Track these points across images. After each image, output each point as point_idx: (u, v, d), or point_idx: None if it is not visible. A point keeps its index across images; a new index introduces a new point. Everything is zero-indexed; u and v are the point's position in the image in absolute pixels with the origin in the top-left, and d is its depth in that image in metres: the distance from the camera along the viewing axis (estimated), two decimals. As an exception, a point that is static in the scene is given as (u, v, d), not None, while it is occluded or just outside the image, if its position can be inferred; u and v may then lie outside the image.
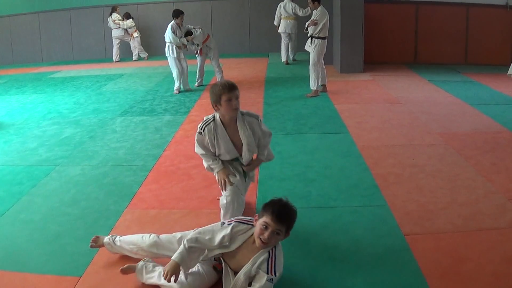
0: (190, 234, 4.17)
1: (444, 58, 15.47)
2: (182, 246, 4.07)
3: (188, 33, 12.82)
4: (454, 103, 10.43)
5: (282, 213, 4.00)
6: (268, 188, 6.35)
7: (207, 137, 5.03)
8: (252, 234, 4.10)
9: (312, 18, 11.43)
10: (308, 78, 11.60)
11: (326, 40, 11.41)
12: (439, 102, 10.62)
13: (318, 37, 11.27)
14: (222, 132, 4.99)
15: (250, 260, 4.00)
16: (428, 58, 15.58)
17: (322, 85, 11.74)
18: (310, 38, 11.47)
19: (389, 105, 10.39)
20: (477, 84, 12.34)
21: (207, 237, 4.12)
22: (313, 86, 11.46)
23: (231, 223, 4.16)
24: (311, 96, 11.36)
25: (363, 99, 11.03)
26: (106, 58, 19.82)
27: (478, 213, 5.47)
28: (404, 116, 9.47)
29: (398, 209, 5.59)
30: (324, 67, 11.70)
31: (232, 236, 4.11)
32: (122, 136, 8.94)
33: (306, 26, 11.68)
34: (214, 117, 5.02)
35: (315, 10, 11.37)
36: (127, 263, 4.61)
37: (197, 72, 13.46)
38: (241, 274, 3.98)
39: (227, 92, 4.76)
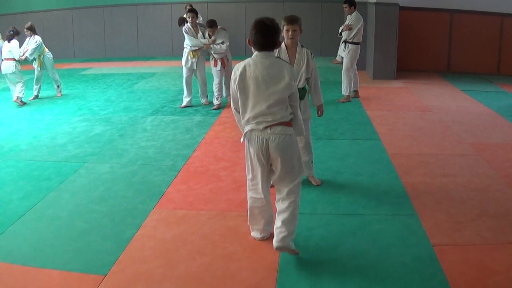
0: None
1: (477, 68, 15.29)
2: None
3: (212, 24, 10.90)
4: (486, 114, 10.33)
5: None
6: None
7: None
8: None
9: (346, 22, 11.41)
10: (340, 83, 11.58)
11: (359, 45, 11.38)
12: (471, 112, 10.53)
13: (352, 42, 11.26)
14: (284, 53, 6.01)
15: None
16: (461, 67, 15.42)
17: (354, 90, 11.69)
18: (344, 43, 11.46)
19: (421, 113, 10.33)
20: (509, 95, 12.20)
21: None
22: (345, 91, 11.43)
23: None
24: (343, 102, 11.32)
25: (395, 106, 10.97)
26: (139, 56, 19.94)
27: (507, 226, 5.42)
28: (436, 125, 9.41)
29: (427, 219, 5.57)
30: (357, 72, 11.67)
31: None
32: (152, 135, 9.01)
33: (340, 31, 11.66)
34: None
35: (349, 15, 11.35)
36: (153, 263, 4.67)
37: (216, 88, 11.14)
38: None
39: (286, 23, 5.89)
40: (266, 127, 4.57)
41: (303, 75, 6.02)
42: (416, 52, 15.48)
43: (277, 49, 5.88)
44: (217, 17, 19.17)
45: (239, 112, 4.80)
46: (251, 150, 4.72)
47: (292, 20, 5.87)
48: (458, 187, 6.49)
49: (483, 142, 8.39)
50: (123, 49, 20.27)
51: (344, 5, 11.49)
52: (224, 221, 5.61)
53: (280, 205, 4.79)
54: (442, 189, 6.45)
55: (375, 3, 13.75)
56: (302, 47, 6.10)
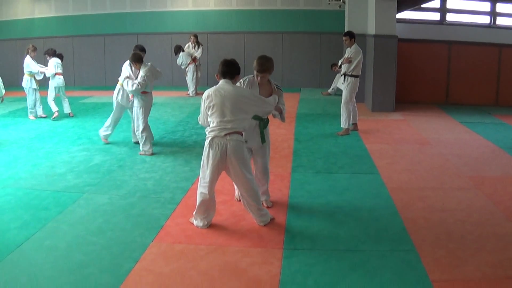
0: None
1: (475, 99, 15.36)
2: None
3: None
4: (484, 146, 10.37)
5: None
6: (296, 228, 6.34)
7: (245, 85, 6.80)
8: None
9: (346, 55, 11.44)
10: (339, 115, 11.59)
11: (359, 78, 11.41)
12: (470, 144, 10.56)
13: (352, 75, 11.27)
14: (255, 86, 6.79)
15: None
16: (459, 99, 15.48)
17: (353, 123, 11.71)
18: (343, 76, 11.48)
19: (419, 146, 10.36)
20: (508, 127, 12.24)
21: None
22: (344, 124, 11.44)
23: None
24: (342, 135, 11.34)
25: (394, 139, 11.00)
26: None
27: (506, 261, 5.42)
28: (435, 158, 9.43)
29: (427, 255, 5.55)
30: (355, 105, 11.69)
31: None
32: (151, 166, 9.00)
33: (339, 64, 11.71)
34: (253, 76, 6.83)
35: (349, 48, 11.39)
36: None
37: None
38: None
39: (257, 71, 6.66)
40: (226, 134, 5.94)
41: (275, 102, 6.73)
42: (415, 84, 15.57)
43: (246, 81, 6.84)
44: (217, 47, 19.36)
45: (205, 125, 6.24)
46: (211, 153, 5.99)
47: (262, 70, 6.65)
48: (457, 222, 6.48)
49: (482, 175, 8.40)
50: (124, 78, 20.33)
51: (344, 38, 11.51)
52: (222, 256, 5.59)
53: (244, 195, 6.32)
54: (441, 224, 6.44)
55: (374, 35, 13.88)
56: (270, 82, 6.94)
